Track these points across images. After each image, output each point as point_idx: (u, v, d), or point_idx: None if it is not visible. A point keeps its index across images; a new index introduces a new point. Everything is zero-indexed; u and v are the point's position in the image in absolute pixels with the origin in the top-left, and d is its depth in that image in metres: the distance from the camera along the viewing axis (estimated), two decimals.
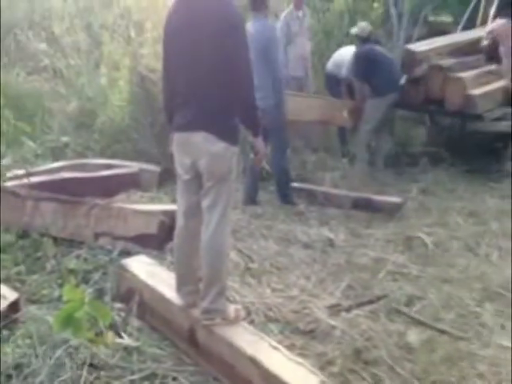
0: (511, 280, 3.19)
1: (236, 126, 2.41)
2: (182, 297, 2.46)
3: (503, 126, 4.80)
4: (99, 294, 2.81)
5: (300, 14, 5.64)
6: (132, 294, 2.63)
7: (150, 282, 2.63)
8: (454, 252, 3.64)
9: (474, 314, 2.88)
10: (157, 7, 6.28)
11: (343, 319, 2.77)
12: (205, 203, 2.39)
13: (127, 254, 3.18)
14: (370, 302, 2.98)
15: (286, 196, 4.50)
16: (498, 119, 4.80)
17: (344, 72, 5.47)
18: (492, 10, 6.04)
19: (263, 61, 4.03)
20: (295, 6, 5.57)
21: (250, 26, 4.05)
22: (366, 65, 5.06)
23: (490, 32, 1.16)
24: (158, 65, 5.36)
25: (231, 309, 2.41)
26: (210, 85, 2.31)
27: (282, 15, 5.63)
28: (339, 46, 6.81)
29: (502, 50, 1.13)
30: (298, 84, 5.61)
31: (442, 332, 2.72)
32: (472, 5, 6.15)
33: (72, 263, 3.08)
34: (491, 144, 5.10)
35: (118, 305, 2.68)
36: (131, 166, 4.71)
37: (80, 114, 5.57)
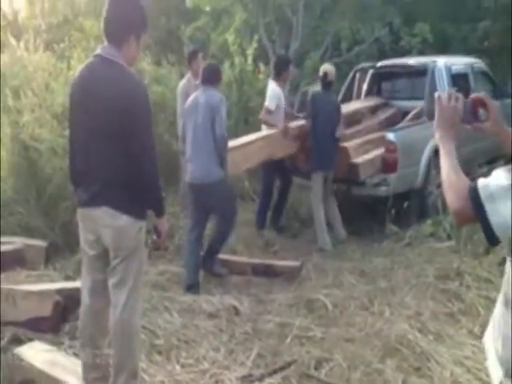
0: (405, 335, 3.40)
1: (141, 200, 2.36)
2: None
3: (382, 191, 5.25)
4: None
5: (198, 82, 5.45)
6: None
7: (50, 370, 2.40)
8: (351, 311, 3.78)
9: (378, 372, 2.99)
10: (35, 72, 6.04)
11: None
12: (111, 281, 2.28)
13: (18, 341, 2.89)
14: (281, 368, 2.99)
15: (212, 265, 4.33)
16: (378, 184, 5.25)
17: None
18: (365, 86, 6.77)
19: (211, 131, 4.06)
20: (194, 74, 5.49)
21: (200, 96, 4.18)
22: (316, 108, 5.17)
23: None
24: (43, 132, 5.12)
25: None
26: (110, 161, 2.25)
27: (180, 84, 5.62)
28: (228, 115, 7.11)
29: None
30: None
31: None
32: (347, 81, 6.84)
33: None
34: (373, 207, 5.53)
35: None
36: (14, 242, 4.37)
37: None
